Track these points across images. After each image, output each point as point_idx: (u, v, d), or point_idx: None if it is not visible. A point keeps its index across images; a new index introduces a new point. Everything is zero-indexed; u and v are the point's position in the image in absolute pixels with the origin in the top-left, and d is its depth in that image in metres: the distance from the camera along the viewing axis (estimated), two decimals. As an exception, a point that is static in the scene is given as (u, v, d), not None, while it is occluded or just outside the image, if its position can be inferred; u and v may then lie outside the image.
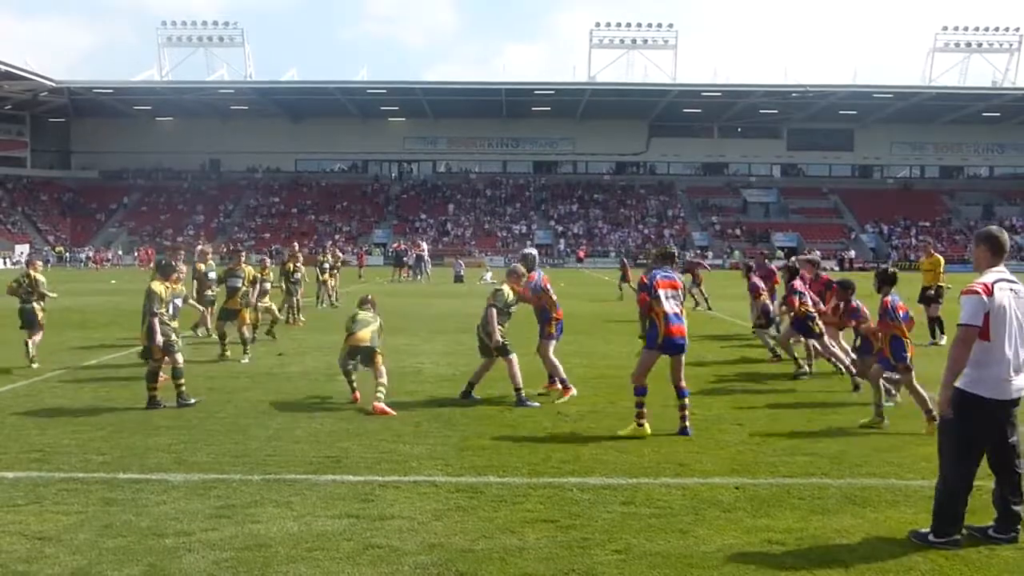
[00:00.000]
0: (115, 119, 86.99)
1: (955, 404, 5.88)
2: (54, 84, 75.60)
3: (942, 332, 17.71)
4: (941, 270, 18.87)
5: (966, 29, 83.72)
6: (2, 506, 6.72)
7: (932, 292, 18.36)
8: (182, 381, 10.78)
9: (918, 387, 9.55)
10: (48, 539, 6.00)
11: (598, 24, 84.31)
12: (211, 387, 11.98)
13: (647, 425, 9.10)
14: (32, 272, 14.60)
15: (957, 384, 5.88)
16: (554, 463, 8.09)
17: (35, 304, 14.47)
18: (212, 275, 17.47)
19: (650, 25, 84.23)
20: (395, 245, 61.67)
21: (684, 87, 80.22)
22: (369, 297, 11.82)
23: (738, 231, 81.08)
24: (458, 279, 43.95)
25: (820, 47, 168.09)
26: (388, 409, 10.18)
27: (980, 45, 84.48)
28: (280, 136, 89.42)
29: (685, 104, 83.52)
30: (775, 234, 79.08)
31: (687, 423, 9.25)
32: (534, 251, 12.50)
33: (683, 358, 9.43)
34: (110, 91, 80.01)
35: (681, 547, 5.94)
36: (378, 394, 10.37)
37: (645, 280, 9.49)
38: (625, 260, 34.51)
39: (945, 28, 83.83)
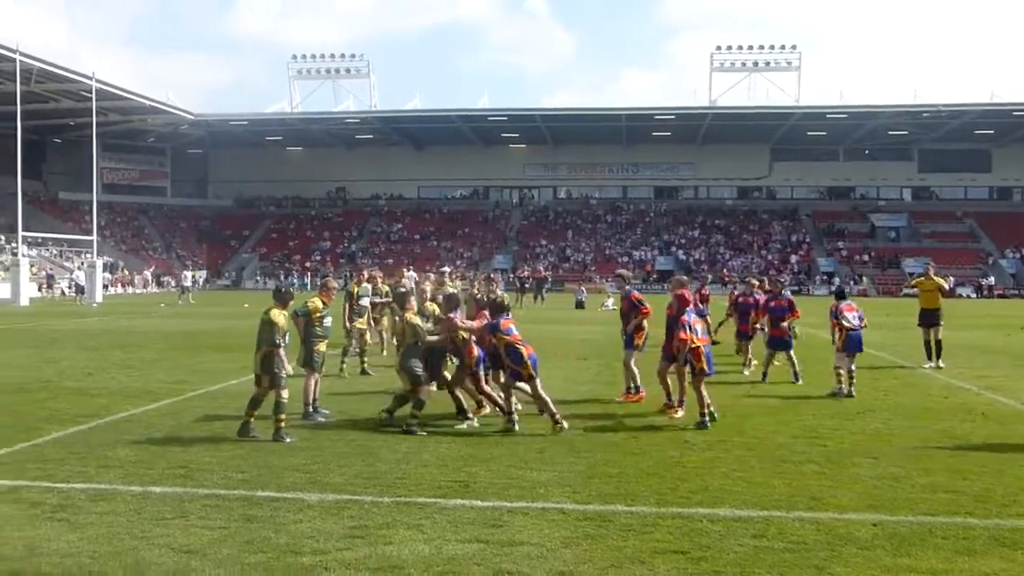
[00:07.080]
0: (248, 149, 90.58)
1: None
2: (193, 117, 79.31)
3: (939, 356, 18.26)
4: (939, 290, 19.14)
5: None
6: (151, 519, 7.07)
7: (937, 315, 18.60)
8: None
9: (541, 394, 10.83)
10: (194, 552, 6.27)
11: (719, 47, 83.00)
12: (340, 410, 12.30)
13: None
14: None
15: None
16: (682, 493, 7.99)
17: None
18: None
19: (772, 47, 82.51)
20: (520, 271, 62.88)
21: (808, 109, 78.23)
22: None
23: (866, 257, 78.48)
24: (579, 305, 43.79)
25: (953, 65, 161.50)
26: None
27: None
28: (403, 164, 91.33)
29: (809, 127, 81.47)
30: (905, 259, 76.12)
31: None
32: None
33: None
34: (245, 123, 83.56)
35: (818, 584, 5.78)
36: None
37: None
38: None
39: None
